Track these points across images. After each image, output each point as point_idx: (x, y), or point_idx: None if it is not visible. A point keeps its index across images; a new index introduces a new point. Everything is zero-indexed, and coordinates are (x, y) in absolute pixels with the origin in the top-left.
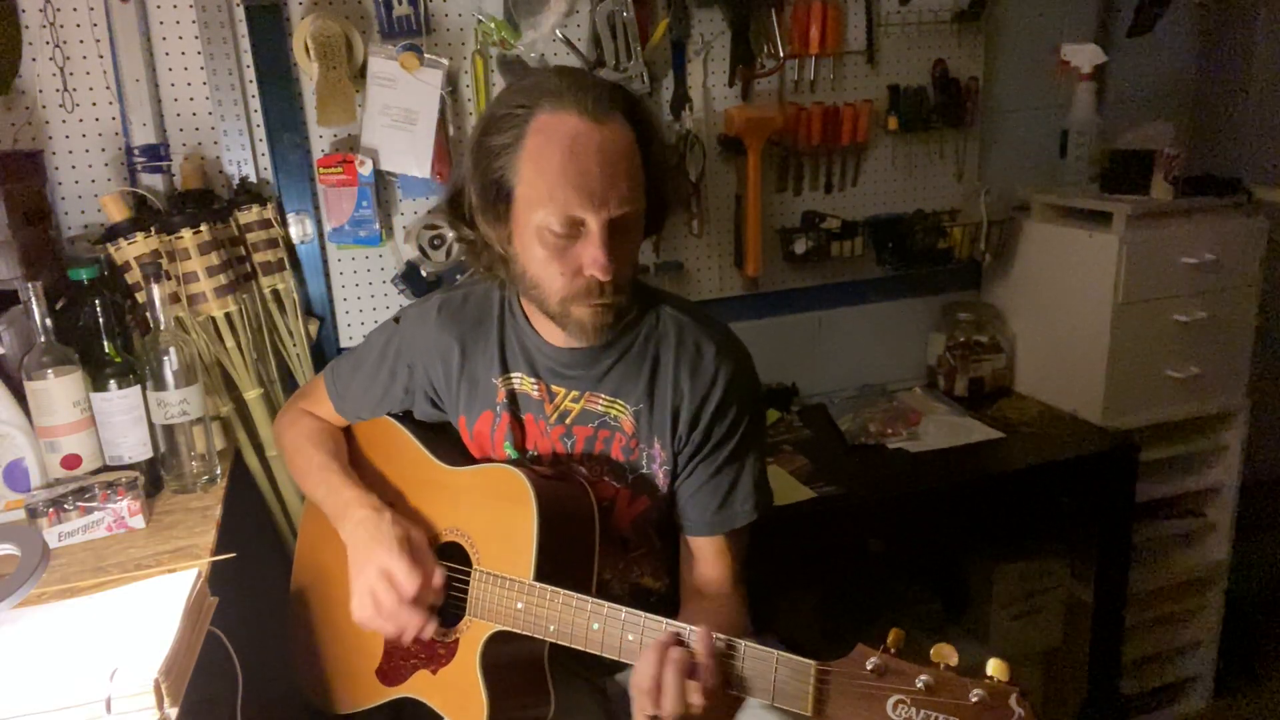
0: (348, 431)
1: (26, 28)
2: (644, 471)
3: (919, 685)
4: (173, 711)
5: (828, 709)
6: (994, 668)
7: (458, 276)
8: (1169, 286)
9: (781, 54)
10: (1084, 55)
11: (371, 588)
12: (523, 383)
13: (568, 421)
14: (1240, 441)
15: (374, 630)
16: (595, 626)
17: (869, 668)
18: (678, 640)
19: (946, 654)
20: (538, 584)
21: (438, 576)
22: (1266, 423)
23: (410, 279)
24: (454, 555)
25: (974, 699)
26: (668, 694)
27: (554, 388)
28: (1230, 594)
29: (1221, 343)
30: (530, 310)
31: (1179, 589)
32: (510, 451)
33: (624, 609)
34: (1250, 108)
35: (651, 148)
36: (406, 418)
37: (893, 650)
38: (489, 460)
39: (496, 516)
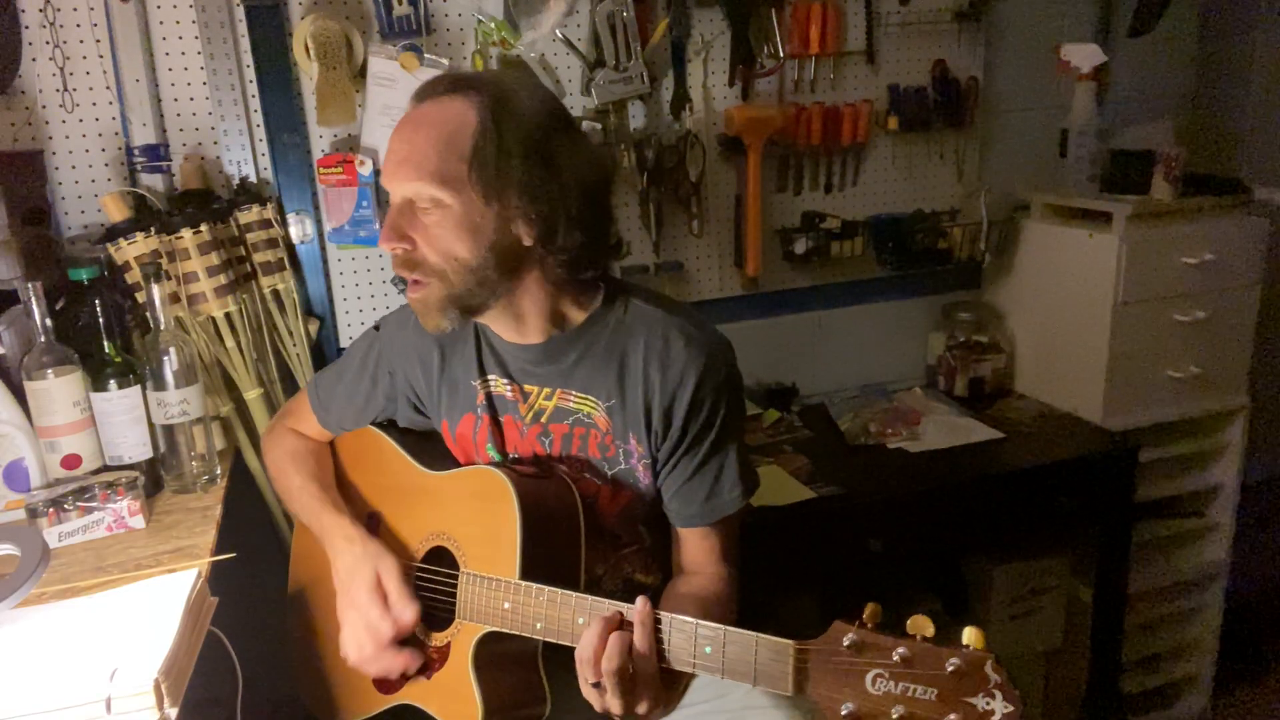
0: (334, 443)
1: (26, 28)
2: (622, 467)
3: (896, 658)
4: (173, 711)
5: (809, 688)
6: (969, 636)
7: None
8: (1169, 286)
9: (781, 54)
10: (1084, 55)
11: (353, 634)
12: (497, 385)
13: (543, 420)
14: (1240, 441)
15: (363, 671)
16: (581, 621)
17: (846, 644)
18: (622, 617)
19: (922, 625)
20: (523, 583)
21: (408, 615)
22: (1266, 423)
23: None
24: (441, 559)
25: (950, 668)
26: (609, 659)
27: (526, 387)
28: (1230, 594)
29: (1221, 343)
30: (485, 315)
31: (1179, 589)
32: (493, 454)
33: (607, 601)
34: (1250, 108)
35: (504, 134)
36: (390, 426)
37: (870, 625)
38: (472, 464)
39: (480, 518)
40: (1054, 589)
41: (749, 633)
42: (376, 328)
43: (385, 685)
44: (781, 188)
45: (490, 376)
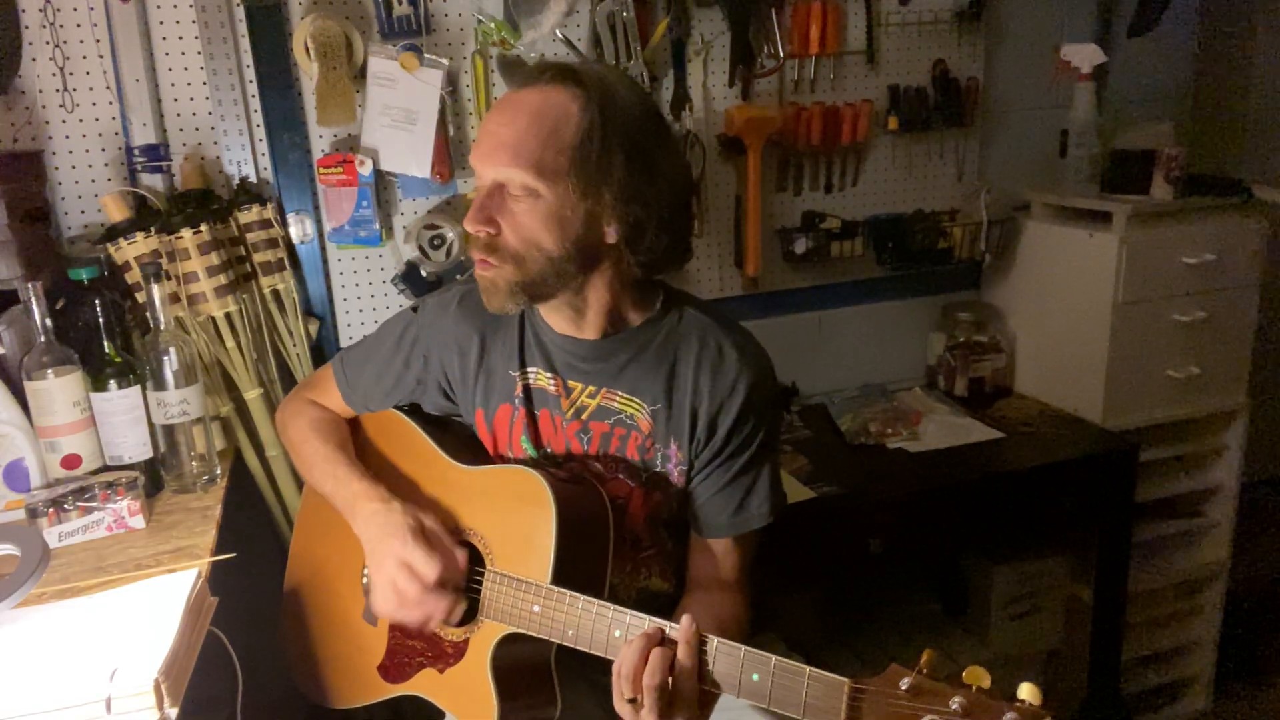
0: (355, 425)
1: (26, 28)
2: (658, 470)
3: (953, 707)
4: (173, 711)
5: None
6: (1027, 692)
7: (458, 276)
8: (1169, 286)
9: (781, 54)
10: (1084, 55)
11: (392, 579)
12: (538, 378)
13: (584, 417)
14: (1240, 441)
15: (399, 621)
16: (617, 634)
17: (903, 688)
18: (664, 634)
19: (979, 676)
20: (555, 588)
21: (459, 557)
22: (1266, 423)
23: (410, 279)
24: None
25: None
26: (651, 675)
27: (570, 382)
28: (1230, 594)
29: (1221, 343)
30: (546, 304)
31: (1179, 589)
32: (527, 447)
33: (648, 617)
34: (1250, 108)
35: (609, 132)
36: (414, 411)
37: (925, 671)
38: (503, 458)
39: (513, 518)
40: (1054, 589)
41: (800, 665)
42: (414, 309)
43: (393, 673)
44: (781, 188)
45: (531, 369)
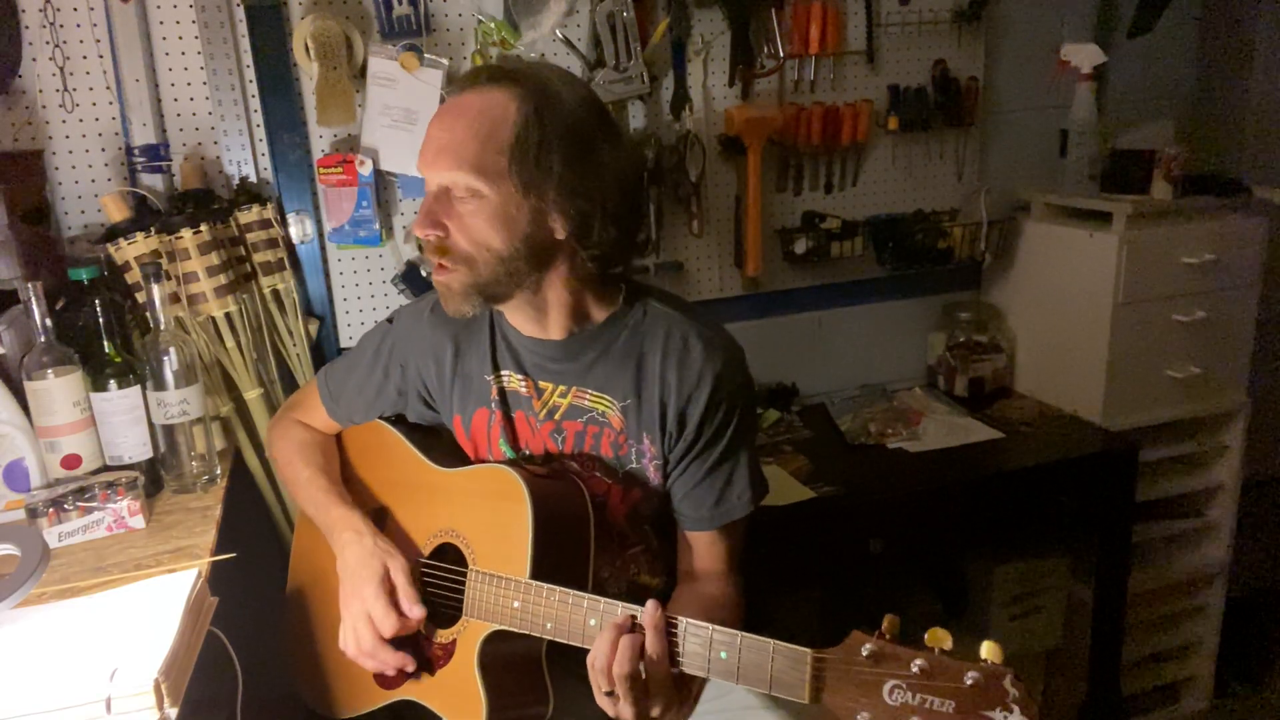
0: (341, 436)
1: (26, 28)
2: (634, 467)
3: (914, 670)
4: (173, 711)
5: (825, 696)
6: (988, 650)
7: None
8: (1169, 286)
9: (781, 54)
10: (1084, 55)
11: (354, 626)
12: (511, 380)
13: (557, 417)
14: (1240, 441)
15: (358, 663)
16: (592, 622)
17: (864, 654)
18: (634, 621)
19: (941, 638)
20: (534, 582)
21: (415, 613)
22: (1266, 423)
23: (410, 279)
24: (450, 556)
25: (969, 681)
26: (620, 664)
27: (541, 383)
28: (1230, 594)
29: (1221, 343)
30: (507, 306)
31: (1179, 589)
32: (506, 449)
33: (620, 604)
34: (1250, 108)
35: (546, 128)
36: (399, 421)
37: (888, 636)
38: (483, 460)
39: (491, 516)
40: (1054, 589)
41: (765, 640)
42: (390, 320)
43: (386, 680)
44: (781, 188)
45: (504, 371)
